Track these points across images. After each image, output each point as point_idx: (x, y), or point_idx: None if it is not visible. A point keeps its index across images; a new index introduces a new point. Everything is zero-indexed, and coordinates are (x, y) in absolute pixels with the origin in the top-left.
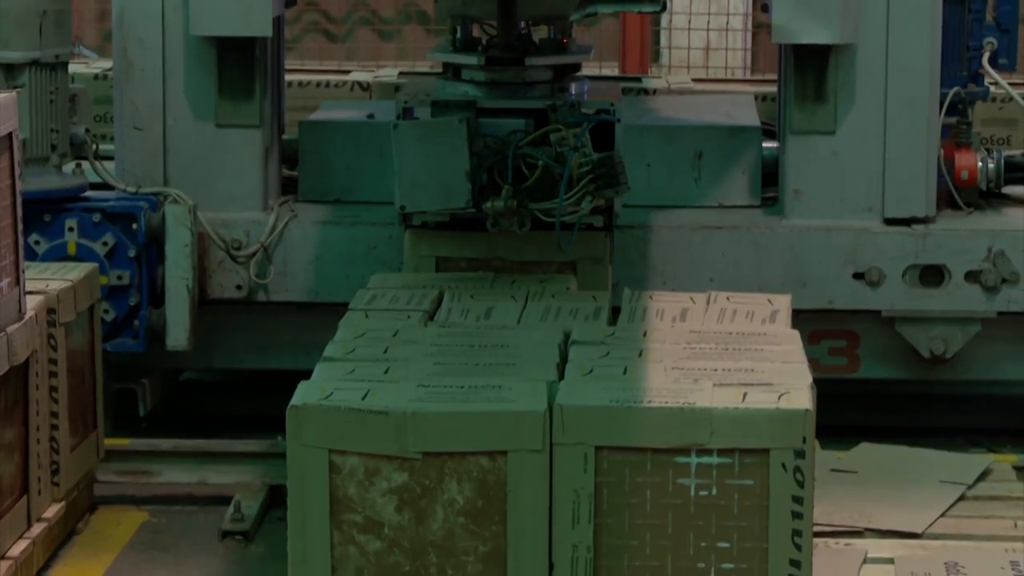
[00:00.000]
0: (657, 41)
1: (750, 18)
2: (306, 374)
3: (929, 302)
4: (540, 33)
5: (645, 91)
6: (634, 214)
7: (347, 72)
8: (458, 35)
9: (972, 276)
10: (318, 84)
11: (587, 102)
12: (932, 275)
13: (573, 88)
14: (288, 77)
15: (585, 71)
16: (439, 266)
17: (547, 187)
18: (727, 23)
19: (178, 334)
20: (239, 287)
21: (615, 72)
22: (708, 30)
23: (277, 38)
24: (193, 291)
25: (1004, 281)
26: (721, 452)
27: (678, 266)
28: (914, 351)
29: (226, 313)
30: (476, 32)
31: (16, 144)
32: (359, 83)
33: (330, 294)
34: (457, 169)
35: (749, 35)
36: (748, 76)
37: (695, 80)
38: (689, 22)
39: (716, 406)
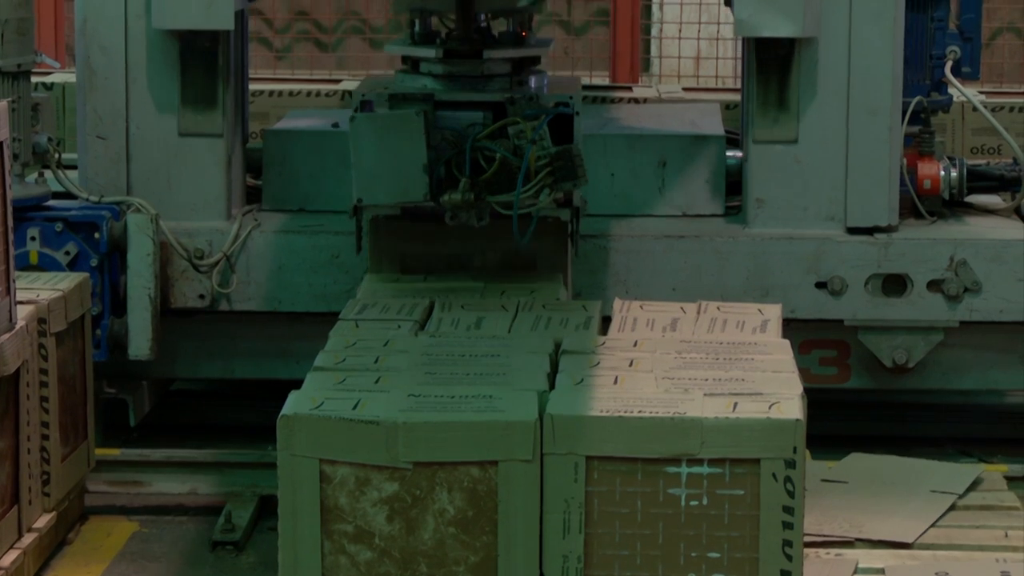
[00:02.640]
0: (648, 50)
1: None
2: (276, 383)
3: (892, 311)
4: (500, 27)
5: (636, 100)
6: (597, 223)
7: (338, 81)
8: (416, 28)
9: (935, 285)
10: (308, 93)
11: (546, 95)
12: (895, 284)
13: (532, 82)
14: (278, 86)
15: (576, 79)
16: (403, 263)
17: (505, 180)
18: (718, 32)
19: (140, 343)
20: (202, 296)
21: (605, 81)
22: (699, 39)
23: (241, 45)
24: (155, 300)
25: (966, 290)
26: (711, 462)
27: (641, 275)
28: (876, 360)
29: (189, 322)
30: (435, 25)
31: (7, 153)
32: (349, 92)
33: (293, 303)
34: (415, 162)
35: (740, 44)
36: (739, 85)
37: (686, 89)
38: (680, 31)
39: (706, 416)
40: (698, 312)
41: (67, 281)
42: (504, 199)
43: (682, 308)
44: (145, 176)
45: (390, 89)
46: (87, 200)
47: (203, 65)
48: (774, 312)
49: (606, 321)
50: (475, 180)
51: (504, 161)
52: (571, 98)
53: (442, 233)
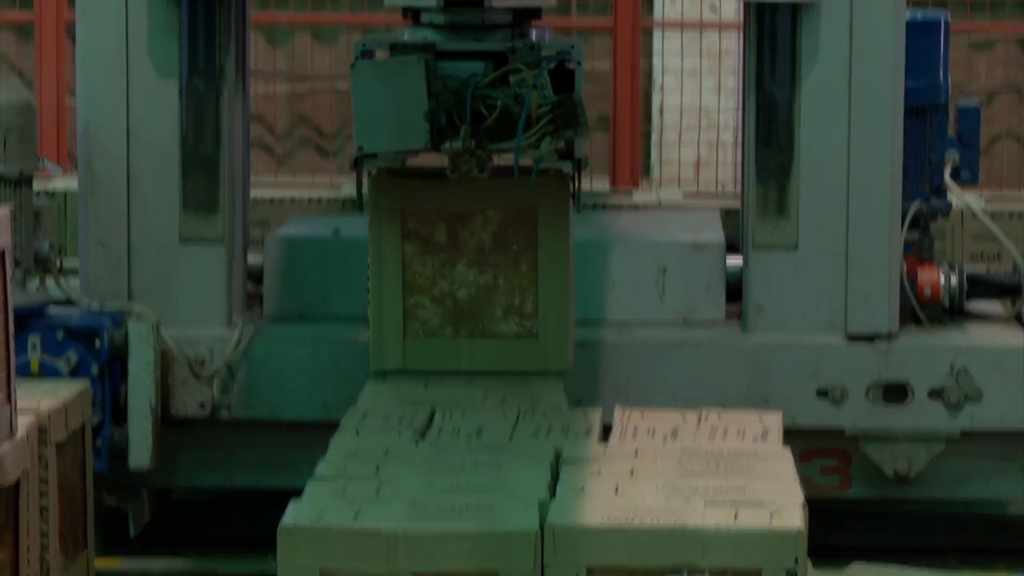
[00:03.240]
0: (648, 155)
1: (741, 132)
2: (277, 492)
3: (892, 419)
4: None
5: (636, 206)
6: (597, 329)
7: (339, 186)
8: None
9: (935, 393)
10: (310, 200)
11: (547, 44)
12: (895, 392)
13: (533, 34)
14: (280, 192)
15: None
16: (403, 221)
17: (506, 128)
18: (718, 138)
19: (140, 453)
20: (202, 405)
21: (606, 186)
22: (699, 145)
23: (244, 152)
24: (156, 409)
25: (967, 398)
26: (713, 572)
27: (641, 382)
28: (878, 469)
29: (190, 431)
30: None
31: (9, 261)
32: (351, 199)
33: (294, 411)
34: (416, 109)
35: (740, 149)
36: (739, 191)
37: (686, 195)
38: (680, 136)
39: (708, 525)
40: (699, 420)
41: (68, 390)
42: (506, 146)
43: (683, 416)
44: (146, 283)
45: (390, 39)
46: (88, 307)
47: (204, 171)
48: (774, 421)
49: (607, 429)
50: (476, 128)
51: (505, 109)
52: (572, 48)
53: (443, 190)
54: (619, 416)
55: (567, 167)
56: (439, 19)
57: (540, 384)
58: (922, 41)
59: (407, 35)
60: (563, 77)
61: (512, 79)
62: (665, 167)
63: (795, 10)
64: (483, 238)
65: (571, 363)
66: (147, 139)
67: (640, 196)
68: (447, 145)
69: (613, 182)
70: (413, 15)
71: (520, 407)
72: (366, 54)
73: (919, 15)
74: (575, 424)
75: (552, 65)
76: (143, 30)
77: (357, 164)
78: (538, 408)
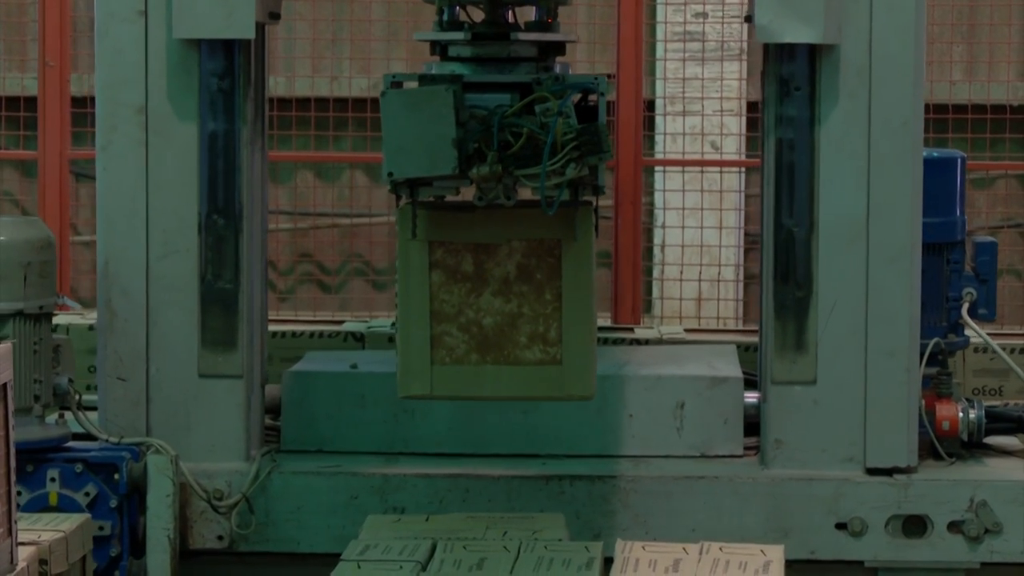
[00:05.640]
0: (649, 292)
1: (742, 269)
2: None
3: (912, 552)
4: (526, 16)
5: (637, 341)
6: (616, 463)
7: (340, 323)
8: (445, 17)
9: (955, 526)
10: (311, 335)
11: (571, 77)
12: (915, 525)
13: (557, 68)
14: (281, 327)
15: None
16: (431, 249)
17: (532, 154)
18: (719, 274)
19: None
20: (220, 537)
21: (607, 322)
22: (700, 281)
23: (262, 287)
24: (174, 542)
25: (987, 531)
26: None
27: (660, 516)
28: None
29: (208, 563)
30: (463, 17)
31: (10, 395)
32: (352, 333)
33: (312, 544)
34: (444, 136)
35: (741, 286)
36: (740, 327)
37: (687, 330)
38: (681, 272)
39: None
40: (700, 553)
41: (68, 522)
42: (532, 171)
43: (684, 549)
44: (164, 417)
45: (420, 73)
46: (107, 441)
47: (223, 307)
48: (776, 553)
49: (608, 562)
50: (503, 155)
51: (531, 136)
52: (596, 79)
53: (470, 222)
54: (620, 548)
55: (589, 194)
56: (466, 52)
57: (542, 518)
58: (939, 178)
59: (435, 69)
60: (586, 110)
61: (537, 108)
62: (666, 303)
63: (812, 147)
64: (508, 268)
65: (593, 390)
66: (166, 275)
67: (642, 332)
68: (475, 171)
69: (614, 319)
70: (441, 50)
71: (522, 540)
72: (395, 85)
73: (935, 153)
74: (576, 556)
75: (577, 96)
76: (163, 168)
77: (395, 189)
78: (540, 541)
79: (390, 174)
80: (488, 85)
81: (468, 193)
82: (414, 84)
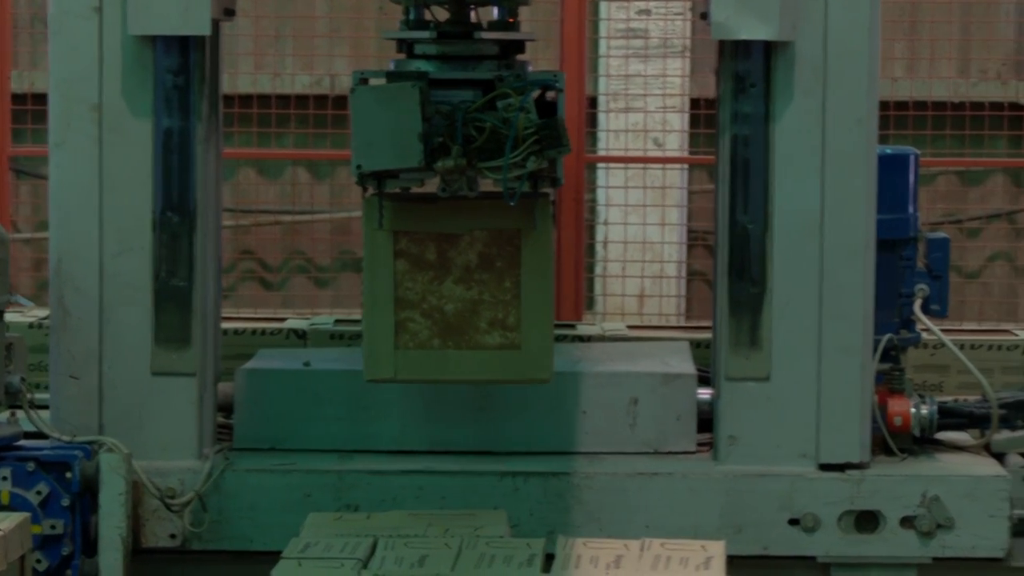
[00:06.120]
0: (591, 288)
1: (684, 265)
2: None
3: (865, 547)
4: (488, 16)
5: (580, 338)
6: (569, 460)
7: (282, 320)
8: (411, 17)
9: (907, 522)
10: (253, 332)
11: (531, 74)
12: (867, 520)
13: (518, 65)
14: (224, 325)
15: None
16: (396, 238)
17: (495, 148)
18: (661, 270)
19: None
20: (173, 536)
21: None
22: (643, 277)
23: (216, 285)
24: (127, 540)
25: (939, 526)
26: None
27: (614, 512)
28: None
29: (161, 562)
30: (428, 17)
31: None
32: (294, 331)
33: (266, 542)
34: (410, 130)
35: (683, 282)
36: (683, 323)
37: (630, 327)
38: (624, 269)
39: None
40: (642, 549)
41: (8, 521)
42: (494, 164)
43: (625, 545)
44: (117, 415)
45: (387, 70)
46: (59, 440)
47: (176, 304)
48: (717, 549)
49: (549, 558)
50: (467, 148)
51: (494, 130)
52: (555, 76)
53: (433, 213)
54: (561, 545)
55: (549, 188)
56: (432, 50)
57: (484, 515)
58: (892, 175)
59: (402, 66)
60: (546, 106)
61: (500, 104)
62: (608, 300)
63: (767, 144)
64: (470, 256)
65: (551, 374)
66: (120, 273)
67: (584, 329)
68: (439, 164)
69: (557, 316)
70: (408, 47)
71: (463, 537)
72: (363, 82)
73: (888, 149)
74: (518, 553)
75: (537, 91)
76: (118, 165)
77: (362, 181)
78: (481, 538)
79: (359, 166)
80: (453, 82)
81: (432, 185)
82: (382, 81)
